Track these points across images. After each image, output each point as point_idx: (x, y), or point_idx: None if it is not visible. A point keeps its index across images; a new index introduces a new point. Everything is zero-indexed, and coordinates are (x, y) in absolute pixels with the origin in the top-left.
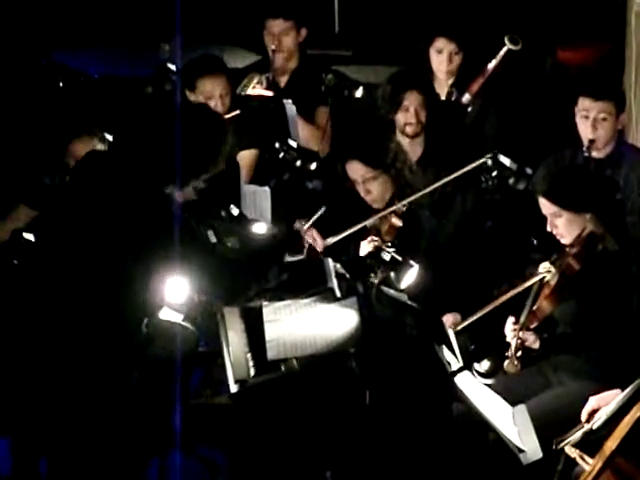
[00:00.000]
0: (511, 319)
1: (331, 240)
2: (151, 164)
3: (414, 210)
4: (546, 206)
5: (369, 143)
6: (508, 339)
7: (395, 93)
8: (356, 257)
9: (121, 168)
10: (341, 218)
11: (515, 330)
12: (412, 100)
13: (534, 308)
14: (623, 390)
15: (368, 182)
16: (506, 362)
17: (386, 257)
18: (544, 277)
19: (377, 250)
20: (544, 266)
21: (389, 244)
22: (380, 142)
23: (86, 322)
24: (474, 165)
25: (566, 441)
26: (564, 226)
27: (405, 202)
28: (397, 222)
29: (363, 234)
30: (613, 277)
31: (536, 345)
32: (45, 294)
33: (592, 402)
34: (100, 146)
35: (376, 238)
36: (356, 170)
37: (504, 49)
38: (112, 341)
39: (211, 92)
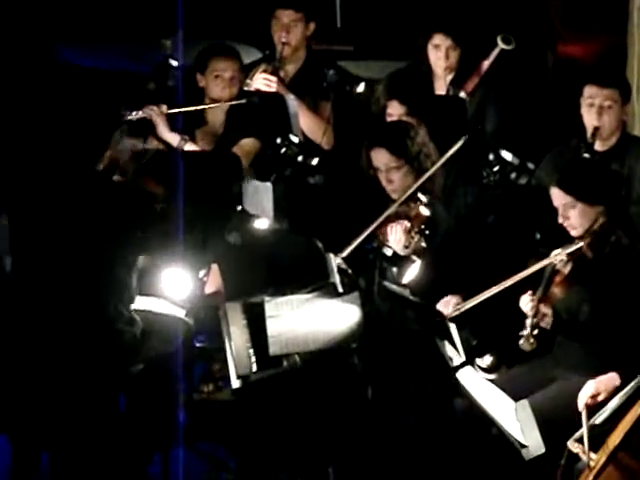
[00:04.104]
0: (527, 294)
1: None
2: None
3: (433, 203)
4: (559, 197)
5: (397, 132)
6: (526, 310)
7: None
8: (382, 244)
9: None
10: (359, 209)
11: (533, 306)
12: (379, 159)
13: (547, 294)
14: (620, 374)
15: (391, 171)
16: (521, 340)
17: (388, 252)
18: (554, 264)
19: (407, 236)
20: (555, 252)
21: (420, 230)
22: (407, 132)
23: (67, 315)
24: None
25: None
26: (577, 217)
27: (409, 192)
28: (425, 211)
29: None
30: (627, 270)
31: (549, 324)
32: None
33: (590, 387)
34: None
35: (407, 223)
36: (381, 158)
37: (497, 49)
38: (99, 334)
39: (221, 71)
